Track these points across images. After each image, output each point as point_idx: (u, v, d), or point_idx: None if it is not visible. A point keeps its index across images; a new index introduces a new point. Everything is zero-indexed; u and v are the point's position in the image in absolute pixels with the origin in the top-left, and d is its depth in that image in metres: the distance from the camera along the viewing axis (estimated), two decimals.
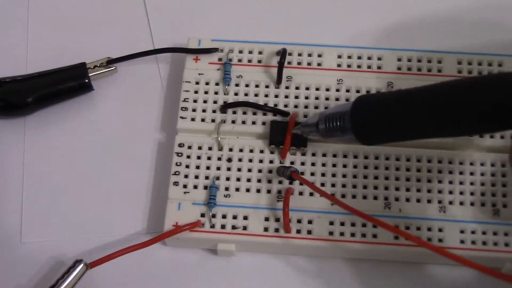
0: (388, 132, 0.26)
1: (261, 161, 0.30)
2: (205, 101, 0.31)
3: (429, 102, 0.24)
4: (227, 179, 0.30)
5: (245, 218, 0.29)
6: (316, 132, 0.28)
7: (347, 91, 0.31)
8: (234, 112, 0.31)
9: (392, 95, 0.26)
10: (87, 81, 0.33)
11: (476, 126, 0.24)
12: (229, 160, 0.30)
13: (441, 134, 0.26)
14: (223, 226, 0.29)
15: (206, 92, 0.32)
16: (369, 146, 0.28)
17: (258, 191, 0.30)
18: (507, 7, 0.35)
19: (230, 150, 0.30)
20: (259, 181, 0.30)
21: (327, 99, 0.31)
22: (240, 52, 0.32)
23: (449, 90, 0.24)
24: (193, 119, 0.31)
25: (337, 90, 0.31)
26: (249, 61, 0.32)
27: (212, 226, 0.29)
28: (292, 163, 0.30)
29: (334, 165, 0.30)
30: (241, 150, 0.30)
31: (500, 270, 0.28)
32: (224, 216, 0.29)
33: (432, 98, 0.24)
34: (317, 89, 0.32)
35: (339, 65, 0.32)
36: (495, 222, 0.29)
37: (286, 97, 0.31)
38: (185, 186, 0.30)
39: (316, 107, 0.31)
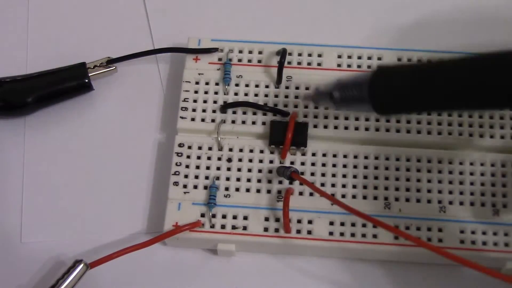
0: (406, 104, 0.26)
1: (261, 161, 0.30)
2: (205, 101, 0.31)
3: (450, 79, 0.24)
4: (227, 179, 0.30)
5: (245, 218, 0.29)
6: (329, 101, 0.27)
7: None
8: (234, 112, 0.31)
9: (413, 67, 0.26)
10: (87, 81, 0.33)
11: (499, 104, 0.24)
12: (229, 160, 0.30)
13: (459, 109, 0.26)
14: (223, 226, 0.29)
15: (206, 92, 0.32)
16: (384, 116, 0.28)
17: (258, 191, 0.30)
18: (506, 7, 0.35)
19: (230, 150, 0.30)
20: (259, 181, 0.30)
21: None
22: (240, 52, 0.32)
23: (473, 69, 0.23)
24: (193, 119, 0.31)
25: None
26: (249, 61, 0.32)
27: (212, 226, 0.29)
28: (292, 163, 0.30)
29: (334, 165, 0.30)
30: (241, 150, 0.30)
31: (500, 270, 0.28)
32: (224, 216, 0.29)
33: (454, 77, 0.24)
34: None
35: (339, 65, 0.32)
36: (495, 222, 0.29)
37: (286, 97, 0.31)
38: (185, 186, 0.30)
39: (316, 107, 0.31)
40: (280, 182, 0.30)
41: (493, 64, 0.23)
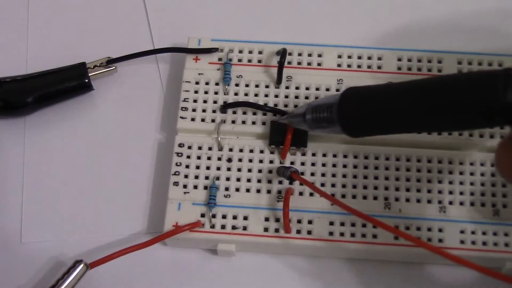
0: (375, 126, 0.26)
1: (261, 161, 0.30)
2: (205, 101, 0.31)
3: (420, 98, 0.24)
4: (227, 179, 0.30)
5: (245, 218, 0.29)
6: (303, 123, 0.28)
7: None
8: (234, 112, 0.31)
9: (382, 88, 0.26)
10: (87, 81, 0.33)
11: (467, 123, 0.24)
12: (229, 160, 0.30)
13: (430, 129, 0.26)
14: (223, 226, 0.29)
15: (206, 92, 0.32)
16: (356, 138, 0.28)
17: (258, 191, 0.30)
18: (506, 11, 0.35)
19: (230, 150, 0.30)
20: (259, 181, 0.30)
21: None
22: (240, 52, 0.32)
23: (443, 87, 0.23)
24: (193, 119, 0.31)
25: (337, 90, 0.31)
26: (249, 61, 0.32)
27: (212, 226, 0.29)
28: (292, 163, 0.30)
29: (334, 165, 0.30)
30: (241, 150, 0.30)
31: (500, 270, 0.28)
32: (224, 216, 0.29)
33: (424, 94, 0.24)
34: (317, 89, 0.32)
35: (339, 65, 0.32)
36: (495, 222, 0.29)
37: (286, 97, 0.31)
38: (185, 186, 0.30)
39: None
40: (280, 182, 0.30)
41: (462, 82, 0.23)
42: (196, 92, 0.32)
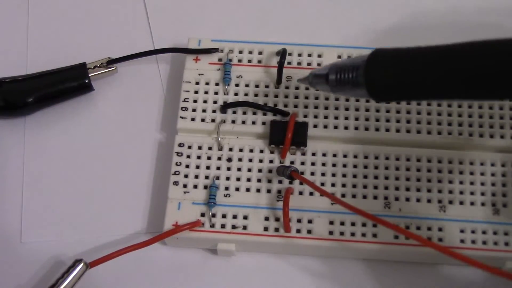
0: (403, 92, 0.24)
1: (261, 161, 0.30)
2: (205, 101, 0.32)
3: (452, 64, 0.22)
4: (227, 178, 0.30)
5: (245, 217, 0.29)
6: (325, 84, 0.27)
7: None
8: (234, 112, 0.31)
9: (413, 52, 0.24)
10: (87, 81, 0.33)
11: (502, 92, 0.23)
12: (229, 160, 0.30)
13: (458, 98, 0.25)
14: (223, 226, 0.29)
15: (206, 92, 0.32)
16: (379, 101, 0.27)
17: (258, 190, 0.30)
18: (509, 8, 0.35)
19: (230, 150, 0.30)
20: (259, 180, 0.30)
21: (327, 99, 0.31)
22: (240, 52, 0.32)
23: (477, 54, 0.22)
24: (193, 119, 0.31)
25: None
26: (249, 61, 0.32)
27: (212, 226, 0.29)
28: (292, 162, 0.30)
29: (334, 165, 0.30)
30: (241, 150, 0.30)
31: (500, 269, 0.28)
32: (224, 216, 0.29)
33: (456, 61, 0.22)
34: (317, 89, 0.32)
35: None
36: (495, 221, 0.29)
37: (286, 97, 0.31)
38: (185, 186, 0.30)
39: (316, 107, 0.31)
40: (280, 182, 0.30)
41: (498, 50, 0.22)
42: (196, 92, 0.32)
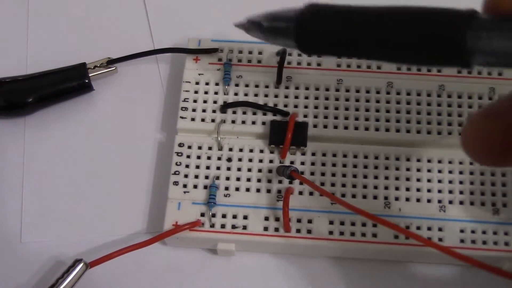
0: (330, 46, 0.24)
1: (261, 161, 0.30)
2: (205, 101, 0.32)
3: (378, 24, 0.22)
4: (227, 178, 0.30)
5: (245, 217, 0.29)
6: (259, 31, 0.27)
7: (347, 91, 0.31)
8: (234, 112, 0.31)
9: (344, 9, 0.24)
10: (87, 81, 0.33)
11: (421, 57, 0.23)
12: (229, 160, 0.30)
13: (386, 60, 0.25)
14: (223, 226, 0.29)
15: (206, 92, 0.32)
16: (307, 54, 0.27)
17: (258, 190, 0.30)
18: None
19: (230, 150, 0.30)
20: (259, 180, 0.30)
21: (326, 99, 0.31)
22: (240, 52, 0.32)
23: (404, 15, 0.22)
24: (193, 119, 0.31)
25: (337, 90, 0.31)
26: (249, 61, 0.32)
27: (212, 226, 0.29)
28: (292, 162, 0.30)
29: (334, 165, 0.30)
30: (241, 150, 0.30)
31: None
32: (224, 216, 0.29)
33: (381, 21, 0.22)
34: (316, 89, 0.32)
35: (338, 65, 0.32)
36: (495, 221, 0.29)
37: (286, 97, 0.31)
38: (185, 186, 0.30)
39: (316, 107, 0.31)
40: (280, 182, 0.30)
41: (425, 16, 0.22)
42: (196, 92, 0.32)
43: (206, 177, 0.30)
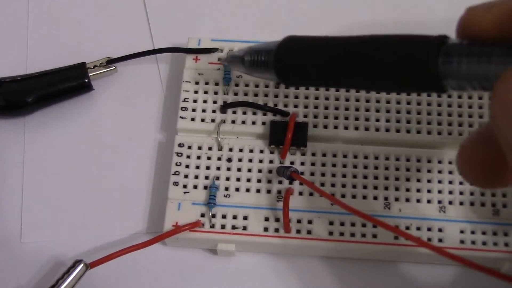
0: (307, 78, 0.26)
1: (261, 161, 0.30)
2: (205, 101, 0.31)
3: (350, 54, 0.23)
4: (227, 179, 0.30)
5: (245, 218, 0.29)
6: (241, 65, 0.28)
7: (347, 91, 0.31)
8: (234, 112, 0.31)
9: (320, 40, 0.25)
10: (87, 81, 0.33)
11: (395, 85, 0.23)
12: (229, 160, 0.30)
13: (358, 87, 0.26)
14: (223, 226, 0.29)
15: (206, 92, 0.32)
16: (286, 85, 0.28)
17: (258, 191, 0.30)
18: None
19: (230, 150, 0.30)
20: (259, 181, 0.30)
21: (326, 99, 0.31)
22: None
23: (375, 45, 0.23)
24: (193, 119, 0.31)
25: (337, 90, 0.31)
26: None
27: (212, 226, 0.29)
28: (292, 163, 0.30)
29: (334, 165, 0.30)
30: (241, 150, 0.30)
31: (499, 270, 0.28)
32: (224, 216, 0.29)
33: (353, 51, 0.23)
34: (316, 89, 0.32)
35: None
36: (495, 222, 0.29)
37: (286, 97, 0.31)
38: (185, 186, 0.30)
39: (316, 107, 0.31)
40: (280, 182, 0.30)
41: (393, 45, 0.22)
42: (196, 92, 0.32)
43: (206, 178, 0.30)
